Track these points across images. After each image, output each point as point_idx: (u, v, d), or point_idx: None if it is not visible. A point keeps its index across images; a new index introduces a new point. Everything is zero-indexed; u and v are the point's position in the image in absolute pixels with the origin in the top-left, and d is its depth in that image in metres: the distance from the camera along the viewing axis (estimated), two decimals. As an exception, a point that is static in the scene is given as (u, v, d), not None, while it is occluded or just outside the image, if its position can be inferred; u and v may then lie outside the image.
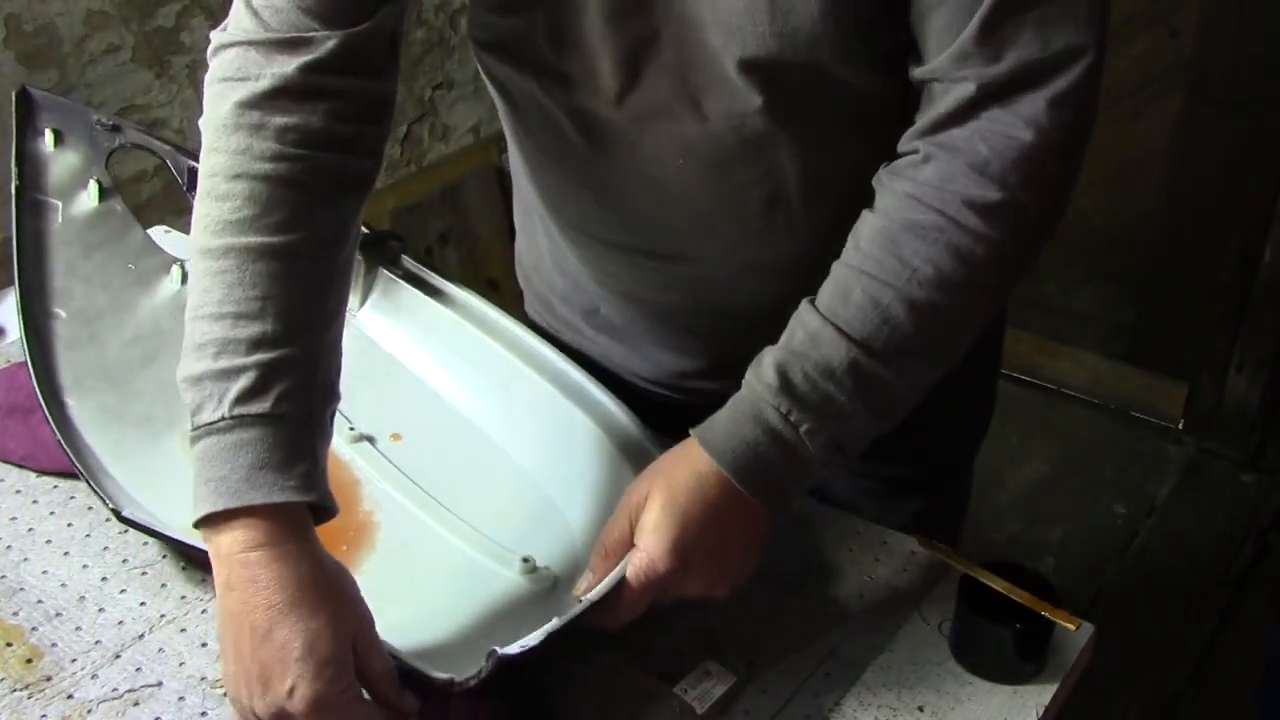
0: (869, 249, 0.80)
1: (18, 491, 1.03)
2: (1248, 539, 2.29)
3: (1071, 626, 0.85)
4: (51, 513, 1.01)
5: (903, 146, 0.82)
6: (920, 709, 0.85)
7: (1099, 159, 2.81)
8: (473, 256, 2.51)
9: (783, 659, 0.88)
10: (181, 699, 0.84)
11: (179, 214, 1.22)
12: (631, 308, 1.05)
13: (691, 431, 0.84)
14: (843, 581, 0.95)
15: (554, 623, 0.78)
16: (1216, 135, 2.33)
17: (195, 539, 0.92)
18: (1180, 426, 2.55)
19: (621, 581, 0.82)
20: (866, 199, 0.84)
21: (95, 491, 0.93)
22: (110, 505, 0.91)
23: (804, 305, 0.82)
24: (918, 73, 0.81)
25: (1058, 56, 0.75)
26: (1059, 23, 0.75)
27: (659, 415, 1.01)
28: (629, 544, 0.83)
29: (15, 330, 1.06)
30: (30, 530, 0.99)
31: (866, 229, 0.82)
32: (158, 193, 1.86)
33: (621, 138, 0.91)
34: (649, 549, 0.81)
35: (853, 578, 0.96)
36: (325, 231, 0.82)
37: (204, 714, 0.84)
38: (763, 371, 0.81)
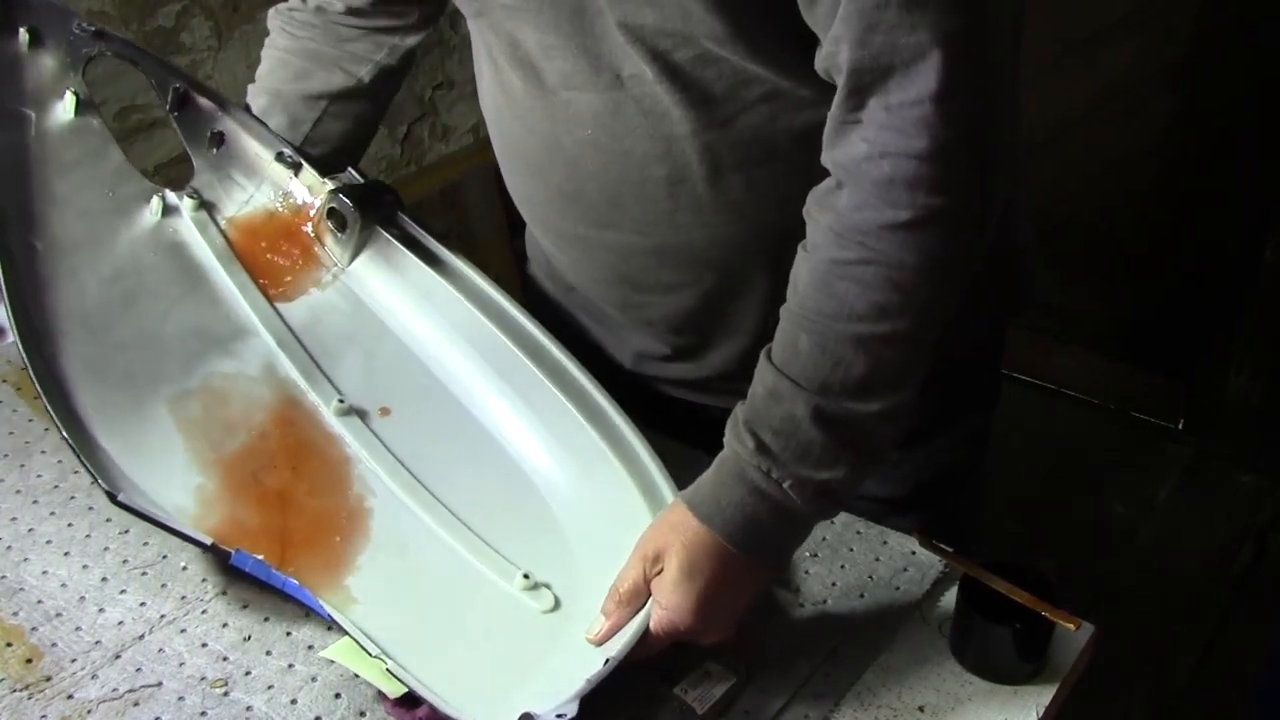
0: (806, 292, 0.81)
1: (18, 491, 1.03)
2: (1248, 539, 2.29)
3: (1071, 626, 0.85)
4: (52, 513, 1.01)
5: (822, 161, 0.81)
6: (920, 709, 0.85)
7: (1097, 158, 2.79)
8: (473, 256, 2.50)
9: (783, 659, 0.88)
10: (181, 699, 0.84)
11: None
12: (588, 292, 1.06)
13: (679, 496, 0.86)
14: (843, 581, 0.95)
15: (584, 685, 0.78)
16: (1215, 134, 2.33)
17: (187, 527, 0.90)
18: (1180, 426, 2.55)
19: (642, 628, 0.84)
20: (777, 192, 0.85)
21: (89, 471, 0.90)
22: (105, 488, 0.88)
23: (761, 359, 0.83)
24: (816, 66, 0.80)
25: (924, 43, 0.73)
26: (924, 7, 0.73)
27: (638, 402, 1.01)
28: (644, 593, 0.85)
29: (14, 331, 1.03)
30: (30, 530, 0.99)
31: (803, 270, 0.82)
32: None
33: (536, 104, 0.93)
34: (671, 608, 0.83)
35: (853, 578, 0.96)
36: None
37: (204, 714, 0.83)
38: (739, 432, 0.82)
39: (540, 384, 1.00)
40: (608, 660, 0.81)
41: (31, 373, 0.95)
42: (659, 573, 0.84)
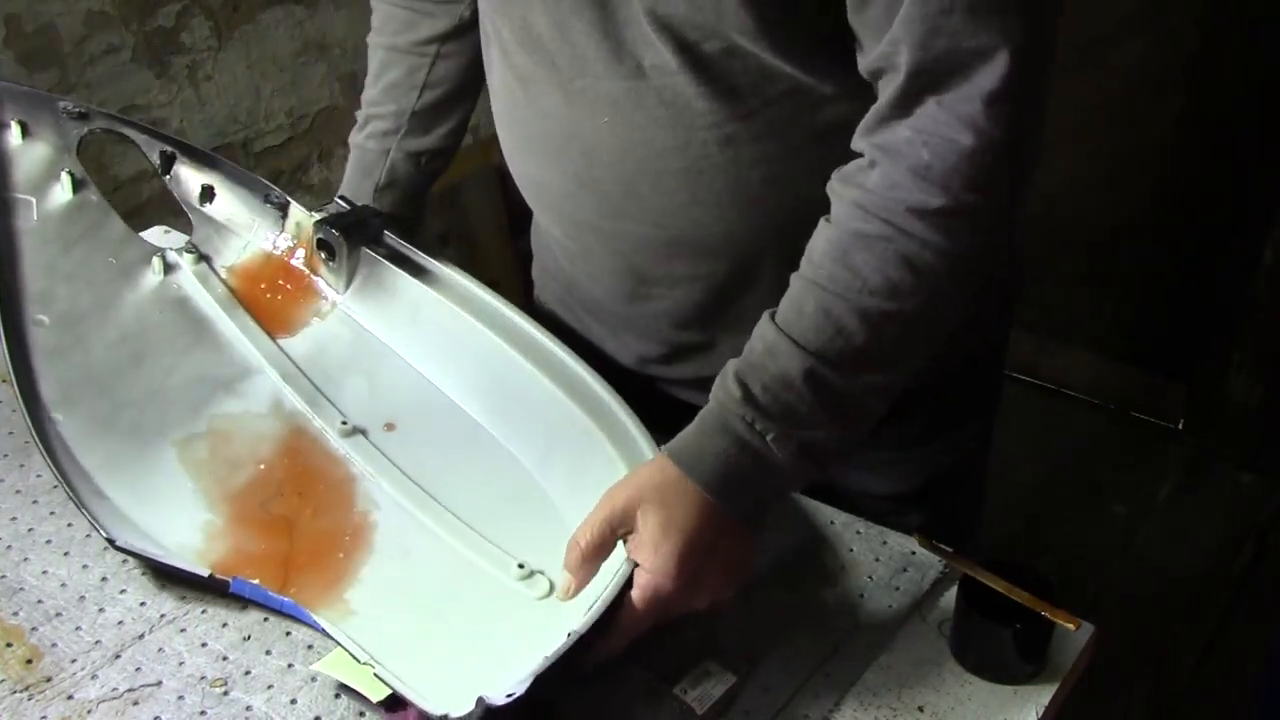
0: (821, 260, 0.82)
1: (18, 491, 1.03)
2: (1248, 539, 2.29)
3: (1071, 626, 0.85)
4: (51, 513, 1.01)
5: (854, 145, 0.82)
6: (920, 709, 0.85)
7: (1099, 158, 2.79)
8: (473, 257, 2.51)
9: (783, 659, 0.88)
10: (181, 699, 0.84)
11: (179, 214, 1.21)
12: (594, 285, 1.06)
13: (663, 449, 0.86)
14: (843, 581, 0.95)
15: (541, 663, 0.76)
16: (1217, 135, 2.33)
17: (191, 560, 0.92)
18: (1180, 426, 2.55)
19: (624, 603, 0.82)
20: (794, 187, 0.85)
21: (89, 520, 0.92)
22: (104, 535, 0.90)
23: (764, 317, 0.84)
24: (861, 66, 0.81)
25: (987, 48, 0.74)
26: (988, 13, 0.74)
27: (640, 406, 1.02)
28: (608, 546, 0.84)
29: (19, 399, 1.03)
30: (30, 530, 0.99)
31: (820, 239, 0.82)
32: (158, 193, 1.86)
33: (552, 91, 0.93)
34: (653, 569, 0.82)
35: (853, 578, 0.96)
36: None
37: (203, 713, 0.84)
38: (726, 383, 0.83)
39: (531, 375, 1.01)
40: (569, 634, 0.79)
41: (35, 439, 0.98)
42: (627, 533, 0.83)
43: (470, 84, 1.18)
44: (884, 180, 0.79)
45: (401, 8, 1.15)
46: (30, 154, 1.11)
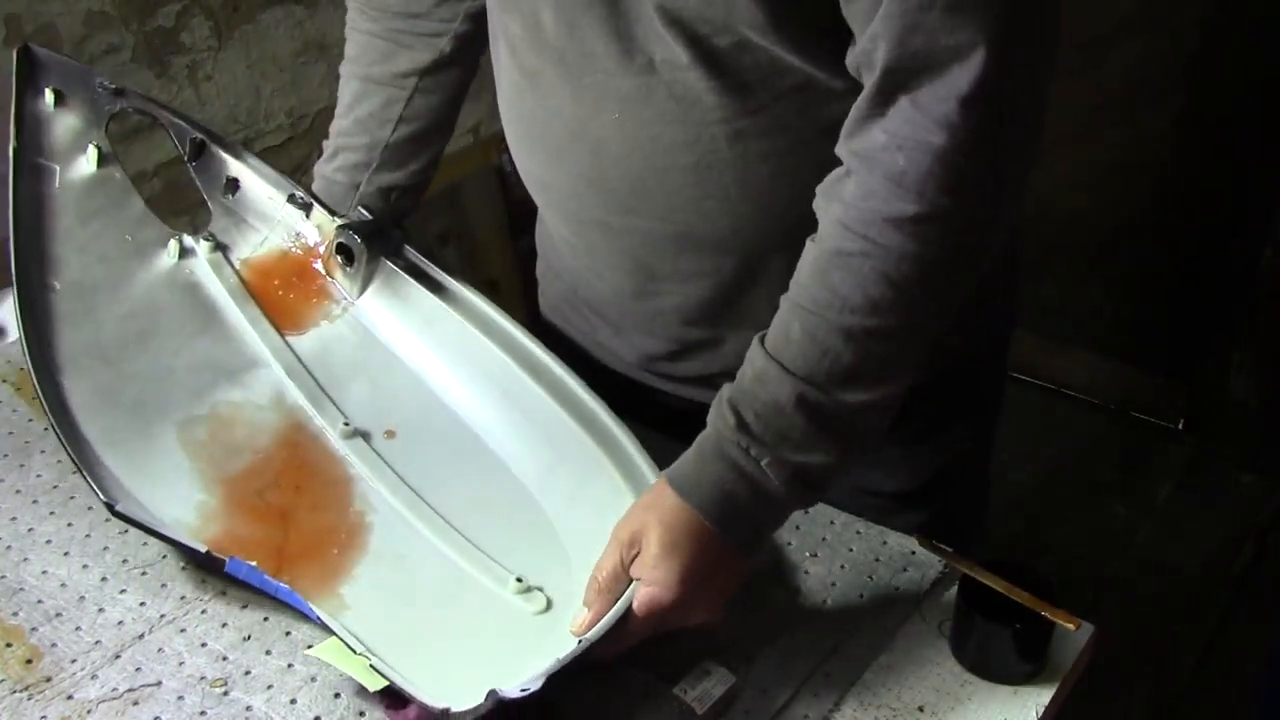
0: (805, 281, 0.82)
1: (18, 491, 1.03)
2: (1248, 539, 2.29)
3: (1071, 626, 0.85)
4: (51, 513, 1.01)
5: (837, 151, 0.82)
6: (920, 709, 0.85)
7: (1099, 158, 2.79)
8: (473, 257, 2.51)
9: (783, 659, 0.88)
10: (181, 699, 0.85)
11: (179, 214, 1.21)
12: (600, 283, 1.06)
13: (662, 474, 0.86)
14: (843, 581, 0.96)
15: (553, 663, 0.78)
16: (1217, 135, 2.33)
17: (187, 537, 0.92)
18: (1180, 426, 2.55)
19: (625, 613, 0.83)
20: (803, 182, 0.85)
21: (89, 484, 0.93)
22: (104, 499, 0.90)
23: (755, 342, 0.84)
24: (847, 62, 0.81)
25: (963, 46, 0.74)
26: (969, 10, 0.73)
27: (645, 405, 1.01)
28: (623, 579, 0.85)
29: (15, 329, 1.05)
30: (30, 530, 0.99)
31: (806, 259, 0.83)
32: (158, 193, 1.86)
33: (561, 87, 0.93)
34: (654, 583, 0.83)
35: (853, 578, 0.96)
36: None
37: (203, 713, 0.84)
38: (721, 410, 0.83)
39: (539, 398, 1.02)
40: (581, 640, 0.81)
41: (42, 399, 0.98)
42: (636, 555, 0.84)
43: (444, 122, 1.17)
44: (860, 190, 0.79)
45: (381, 38, 1.13)
46: (61, 123, 1.11)
